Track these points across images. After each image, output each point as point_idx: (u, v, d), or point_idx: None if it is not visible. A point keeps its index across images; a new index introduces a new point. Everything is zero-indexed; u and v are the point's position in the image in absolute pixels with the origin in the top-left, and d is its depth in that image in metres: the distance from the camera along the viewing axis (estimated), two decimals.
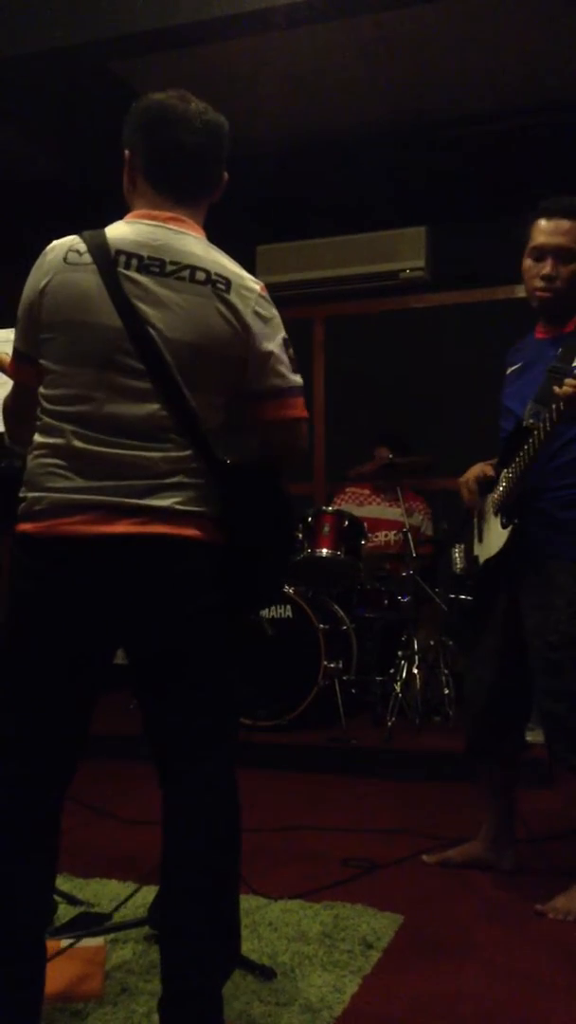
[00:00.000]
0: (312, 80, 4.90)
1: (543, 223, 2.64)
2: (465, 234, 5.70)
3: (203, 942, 1.76)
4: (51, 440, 1.77)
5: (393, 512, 5.22)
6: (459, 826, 3.26)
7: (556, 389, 2.34)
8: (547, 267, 2.62)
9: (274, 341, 1.84)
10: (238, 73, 4.79)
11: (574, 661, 2.54)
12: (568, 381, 2.32)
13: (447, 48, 4.64)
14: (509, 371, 2.82)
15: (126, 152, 1.90)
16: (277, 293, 6.64)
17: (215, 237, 1.90)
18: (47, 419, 1.79)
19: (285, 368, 1.85)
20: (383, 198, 5.70)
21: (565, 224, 2.61)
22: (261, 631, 4.48)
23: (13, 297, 1.91)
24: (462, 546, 2.93)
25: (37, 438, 1.80)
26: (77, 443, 1.74)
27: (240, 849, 1.86)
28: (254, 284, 1.85)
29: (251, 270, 1.90)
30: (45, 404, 1.79)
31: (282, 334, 1.87)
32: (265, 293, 1.87)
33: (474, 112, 5.28)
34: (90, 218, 2.07)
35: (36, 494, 1.76)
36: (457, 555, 2.82)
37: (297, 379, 1.87)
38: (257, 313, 1.82)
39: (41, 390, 1.81)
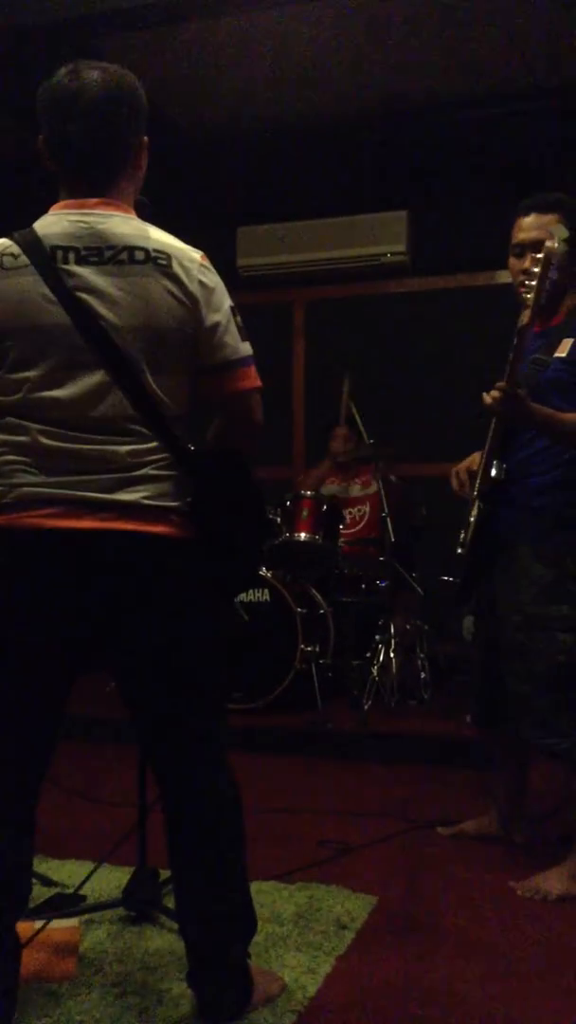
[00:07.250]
0: (295, 63, 4.86)
1: (522, 220, 2.73)
2: (447, 219, 5.70)
3: (223, 924, 1.88)
4: (15, 438, 1.74)
5: (355, 489, 5.36)
6: (433, 808, 3.29)
7: (484, 396, 2.53)
8: (527, 262, 2.65)
9: (220, 311, 1.79)
10: (222, 56, 4.74)
11: (537, 642, 2.60)
12: (492, 391, 2.49)
13: (431, 33, 4.62)
14: None
15: (39, 137, 1.82)
16: (257, 275, 6.57)
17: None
18: (10, 419, 1.75)
19: (233, 338, 1.80)
20: (365, 182, 5.68)
21: (541, 218, 2.69)
22: (236, 617, 4.48)
23: None
24: (463, 530, 2.97)
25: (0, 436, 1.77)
26: (44, 440, 1.71)
27: (244, 835, 1.93)
28: (194, 254, 1.80)
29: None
30: (6, 407, 1.76)
31: (228, 302, 1.81)
32: (206, 262, 1.81)
33: (457, 97, 5.27)
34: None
35: (2, 488, 1.73)
36: (463, 537, 2.86)
37: (247, 348, 1.82)
38: (201, 283, 1.77)
39: (0, 398, 1.76)
